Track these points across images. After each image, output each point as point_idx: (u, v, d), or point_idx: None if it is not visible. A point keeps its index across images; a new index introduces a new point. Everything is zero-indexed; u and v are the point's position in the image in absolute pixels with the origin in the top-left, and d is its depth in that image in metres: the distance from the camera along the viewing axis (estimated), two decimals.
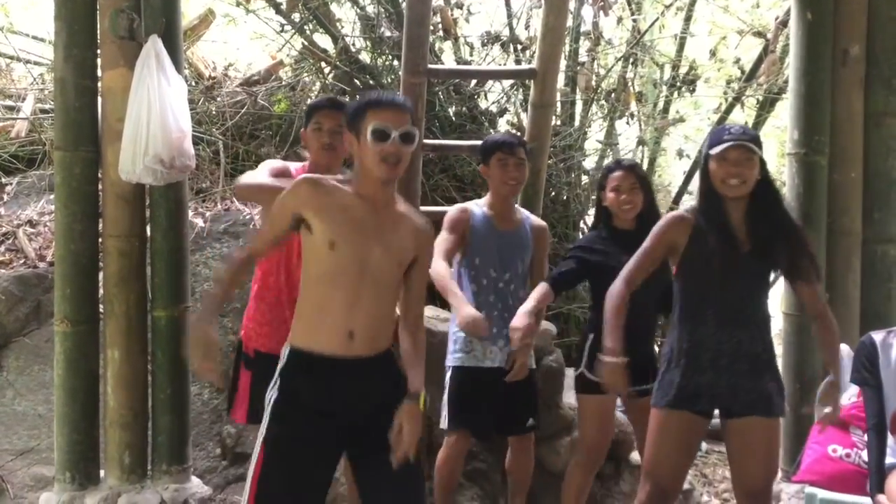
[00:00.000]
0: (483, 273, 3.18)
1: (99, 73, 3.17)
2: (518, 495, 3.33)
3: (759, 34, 5.74)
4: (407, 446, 2.19)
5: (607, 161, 5.76)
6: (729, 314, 2.59)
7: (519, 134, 3.27)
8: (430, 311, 3.75)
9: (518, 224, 3.26)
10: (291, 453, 2.17)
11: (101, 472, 3.20)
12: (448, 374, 3.20)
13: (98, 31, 3.13)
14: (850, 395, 3.13)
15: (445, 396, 3.18)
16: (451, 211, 3.27)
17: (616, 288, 2.65)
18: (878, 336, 2.98)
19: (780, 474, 3.61)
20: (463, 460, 3.29)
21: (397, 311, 2.37)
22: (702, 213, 2.61)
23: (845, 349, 3.30)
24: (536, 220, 3.36)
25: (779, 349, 4.05)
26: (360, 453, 2.25)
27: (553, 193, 5.22)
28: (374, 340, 2.24)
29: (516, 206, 3.35)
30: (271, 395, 2.22)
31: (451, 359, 3.19)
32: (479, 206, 3.25)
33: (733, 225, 2.58)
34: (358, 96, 5.14)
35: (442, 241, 3.13)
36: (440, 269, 3.01)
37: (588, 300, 3.76)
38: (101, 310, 3.22)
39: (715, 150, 2.54)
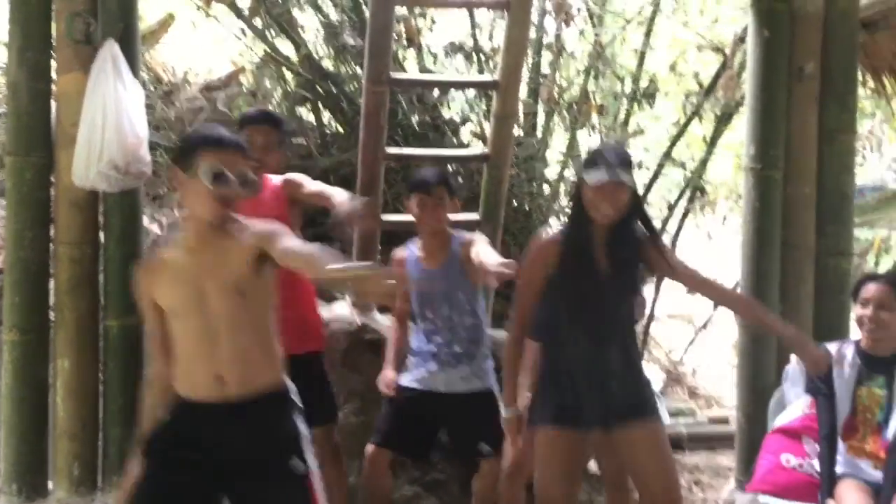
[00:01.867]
0: (420, 314, 3.20)
1: (54, 76, 3.12)
2: None
3: (718, 49, 5.83)
4: None
5: (569, 174, 5.81)
6: (597, 336, 2.61)
7: (442, 172, 3.25)
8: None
9: (447, 256, 3.18)
10: (159, 486, 2.13)
11: (50, 484, 3.13)
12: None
13: (53, 35, 3.07)
14: (803, 405, 3.18)
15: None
16: (393, 257, 3.27)
17: (509, 337, 2.73)
18: (832, 347, 3.04)
19: (733, 484, 3.66)
20: (388, 476, 3.26)
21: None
22: (569, 237, 2.63)
23: (796, 361, 3.36)
24: (465, 239, 3.20)
25: (734, 360, 4.11)
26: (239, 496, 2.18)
27: (515, 204, 5.23)
28: (242, 380, 2.16)
29: (450, 232, 3.22)
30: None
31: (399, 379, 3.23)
32: (413, 247, 3.24)
33: (596, 248, 2.60)
34: (320, 104, 5.15)
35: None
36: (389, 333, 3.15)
37: None
38: (51, 318, 3.15)
39: (591, 181, 2.53)
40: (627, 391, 2.63)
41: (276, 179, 3.08)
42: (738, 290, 2.87)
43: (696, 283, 2.74)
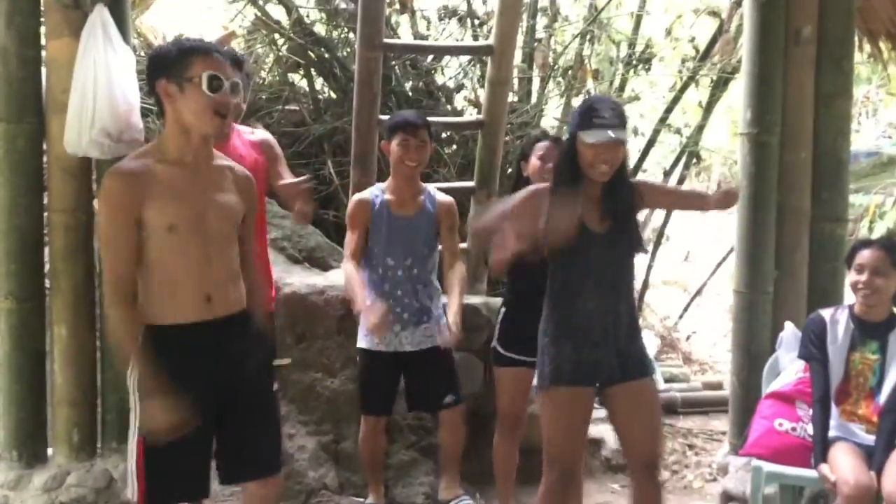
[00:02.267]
0: (380, 261, 3.18)
1: (43, 42, 3.07)
2: (449, 467, 3.37)
3: (714, 13, 5.79)
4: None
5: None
6: (604, 289, 2.62)
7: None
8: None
9: (419, 206, 3.21)
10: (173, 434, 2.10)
11: (49, 451, 3.15)
12: (358, 356, 3.32)
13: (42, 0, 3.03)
14: (797, 370, 3.21)
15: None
16: (350, 205, 3.26)
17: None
18: (826, 313, 3.06)
19: (727, 448, 3.70)
20: (383, 438, 3.37)
21: None
22: (560, 193, 2.59)
23: (790, 326, 3.38)
24: (442, 197, 3.29)
25: (729, 325, 4.14)
26: (230, 411, 2.22)
27: (510, 170, 5.22)
28: (230, 300, 2.22)
29: (422, 185, 3.29)
30: (131, 379, 2.15)
31: (359, 341, 3.28)
32: (379, 192, 3.23)
33: (590, 204, 2.59)
34: (313, 70, 5.09)
35: (347, 241, 3.19)
36: (346, 271, 3.11)
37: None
38: (47, 286, 3.14)
39: (588, 139, 2.51)
40: (632, 347, 2.66)
41: (256, 136, 3.06)
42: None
43: (679, 202, 2.84)
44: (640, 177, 6.16)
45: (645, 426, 2.66)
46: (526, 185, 3.15)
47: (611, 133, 2.48)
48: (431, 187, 3.34)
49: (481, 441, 3.71)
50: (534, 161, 3.16)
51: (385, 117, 3.90)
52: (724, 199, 2.63)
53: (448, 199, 3.33)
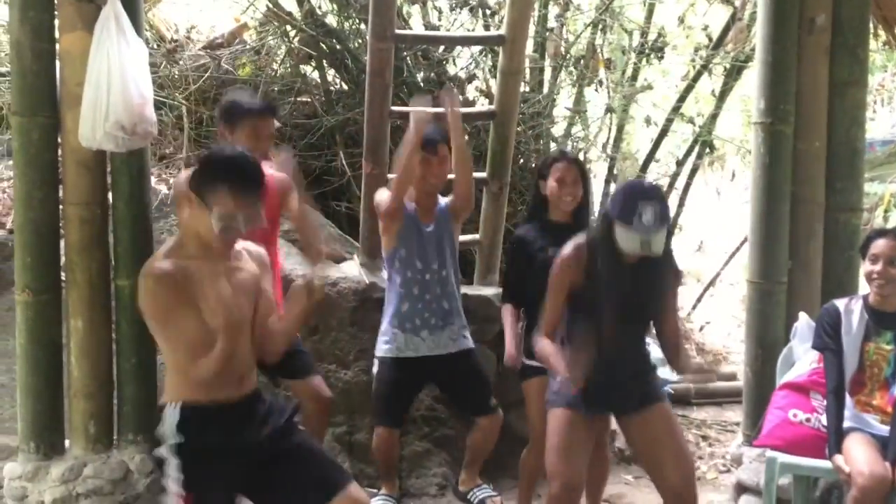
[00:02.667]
0: (409, 265, 3.24)
1: (57, 35, 3.08)
2: (473, 464, 3.41)
3: (728, 2, 5.74)
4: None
5: (576, 131, 5.77)
6: (620, 345, 2.67)
7: (443, 129, 3.25)
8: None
9: (437, 215, 3.30)
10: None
11: (66, 443, 3.17)
12: (374, 366, 3.32)
13: None
14: (811, 360, 3.20)
15: (373, 390, 3.35)
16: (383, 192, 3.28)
17: (536, 345, 2.78)
18: (840, 303, 3.05)
19: (741, 439, 3.69)
20: (397, 448, 3.42)
21: None
22: (602, 273, 2.62)
23: (805, 317, 3.37)
24: (448, 200, 3.37)
25: (742, 315, 4.12)
26: (276, 469, 2.35)
27: (521, 161, 5.20)
28: (253, 377, 2.40)
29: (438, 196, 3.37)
30: (174, 461, 2.25)
31: (378, 349, 3.31)
32: (408, 200, 3.26)
33: (623, 275, 2.61)
34: (325, 62, 5.09)
35: (382, 195, 3.26)
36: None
37: None
38: (63, 279, 3.16)
39: (622, 241, 2.53)
40: (641, 380, 2.72)
41: (277, 177, 3.03)
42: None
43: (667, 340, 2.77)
44: (653, 167, 6.15)
45: (671, 453, 2.67)
46: (544, 205, 3.17)
47: (643, 244, 2.49)
48: (441, 198, 3.39)
49: None
50: (552, 183, 3.15)
51: (397, 109, 3.90)
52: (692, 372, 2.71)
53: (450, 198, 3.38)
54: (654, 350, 4.41)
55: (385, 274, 3.46)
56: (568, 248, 2.72)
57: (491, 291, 3.95)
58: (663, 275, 2.67)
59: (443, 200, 3.38)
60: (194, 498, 2.24)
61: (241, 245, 2.39)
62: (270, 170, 3.06)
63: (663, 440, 2.67)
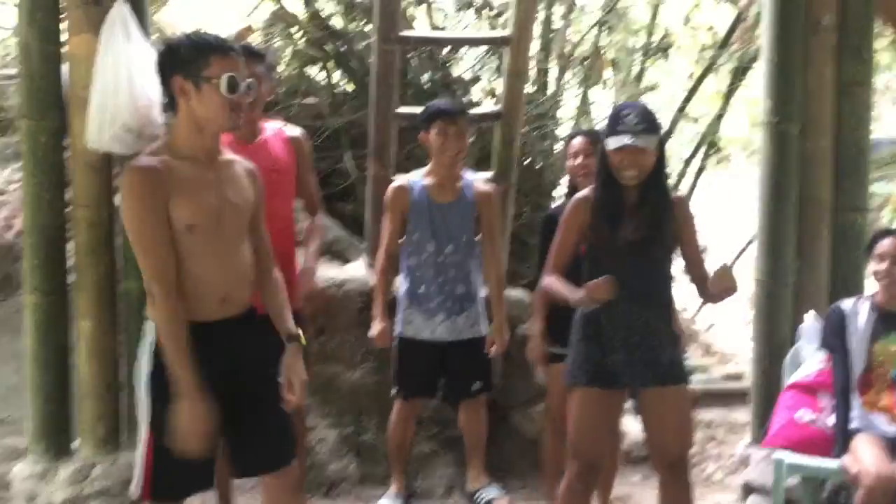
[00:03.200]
0: (421, 248, 3.21)
1: (64, 38, 3.10)
2: (475, 456, 3.38)
3: (733, 1, 5.74)
4: (298, 390, 2.26)
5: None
6: (634, 293, 2.61)
7: (464, 101, 3.25)
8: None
9: (458, 193, 3.23)
10: None
11: (75, 444, 3.19)
12: (394, 342, 3.30)
13: None
14: (819, 361, 3.19)
15: (393, 364, 3.32)
16: (388, 190, 3.26)
17: (542, 282, 2.75)
18: (847, 303, 3.04)
19: (749, 439, 3.69)
20: (412, 425, 3.41)
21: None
22: (599, 199, 2.64)
23: (812, 317, 3.36)
24: (480, 186, 3.31)
25: (749, 316, 4.11)
26: (236, 408, 2.23)
27: (527, 162, 5.21)
28: (242, 298, 2.25)
29: (461, 172, 3.30)
30: (146, 370, 2.16)
31: (396, 326, 3.29)
32: (418, 178, 3.25)
33: (628, 209, 2.61)
34: (330, 63, 5.10)
35: (384, 230, 3.22)
36: (377, 271, 3.22)
37: None
38: (70, 280, 3.17)
39: (611, 144, 2.54)
40: (662, 354, 2.66)
41: (288, 131, 3.03)
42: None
43: (694, 272, 2.74)
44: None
45: (670, 429, 2.66)
46: (573, 185, 3.17)
47: (631, 139, 2.48)
48: (472, 175, 3.34)
49: (502, 433, 3.73)
50: (569, 161, 3.17)
51: (403, 110, 3.91)
52: (720, 288, 2.62)
53: (486, 187, 3.33)
54: None
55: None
56: (582, 192, 2.74)
57: None
58: (669, 212, 2.63)
59: (472, 180, 3.29)
60: (157, 437, 2.13)
61: (231, 156, 2.26)
62: (283, 129, 3.04)
63: (670, 416, 2.65)
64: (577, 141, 3.21)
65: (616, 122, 2.55)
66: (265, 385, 2.29)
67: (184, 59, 2.08)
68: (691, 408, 2.80)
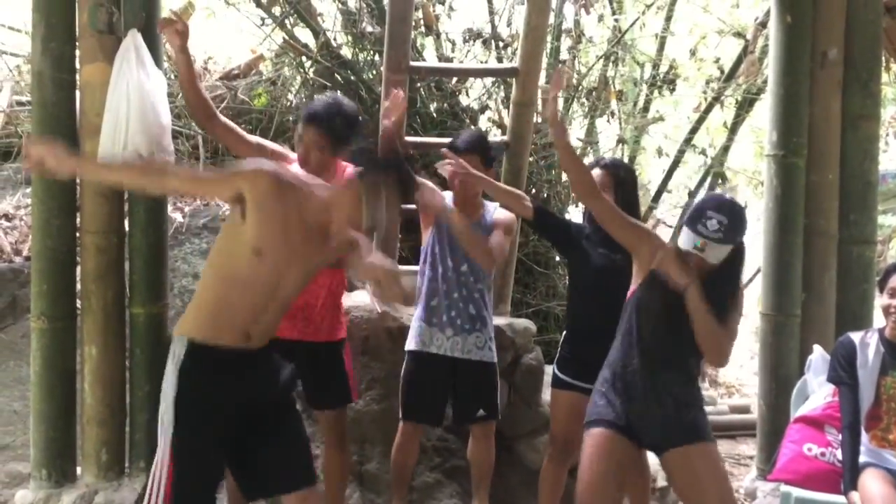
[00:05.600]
0: (440, 261, 3.23)
1: (77, 66, 3.13)
2: (481, 486, 3.35)
3: (739, 35, 5.79)
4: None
5: (588, 160, 5.79)
6: (657, 359, 2.61)
7: (474, 130, 3.26)
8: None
9: (480, 217, 3.27)
10: (202, 450, 2.21)
11: (78, 470, 3.17)
12: (405, 360, 3.30)
13: (77, 25, 3.09)
14: (826, 394, 3.17)
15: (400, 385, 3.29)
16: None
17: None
18: (856, 336, 3.03)
19: (755, 473, 3.66)
20: (417, 447, 3.37)
21: None
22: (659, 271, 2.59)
23: (819, 350, 3.35)
24: (501, 214, 3.30)
25: (755, 348, 4.10)
26: (257, 433, 2.29)
27: (533, 191, 5.23)
28: (265, 339, 2.31)
29: (484, 201, 3.34)
30: (171, 392, 2.20)
31: (407, 342, 3.30)
32: (449, 197, 3.28)
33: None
34: (339, 92, 5.15)
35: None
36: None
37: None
38: (78, 306, 3.18)
39: (680, 241, 2.54)
40: (684, 416, 2.61)
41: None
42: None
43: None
44: (665, 197, 6.16)
45: (709, 494, 2.55)
46: (590, 213, 3.18)
47: (698, 247, 2.48)
48: (493, 205, 3.36)
49: (506, 463, 3.71)
50: None
51: (411, 139, 3.94)
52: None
53: (506, 216, 3.32)
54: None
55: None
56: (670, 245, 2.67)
57: (503, 321, 3.94)
58: (719, 290, 2.57)
59: (491, 211, 3.33)
60: (177, 442, 2.17)
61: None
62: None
63: (705, 481, 2.55)
64: (596, 174, 3.20)
65: (697, 218, 2.50)
66: (285, 411, 2.36)
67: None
68: (723, 467, 2.68)
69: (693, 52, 6.03)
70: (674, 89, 5.82)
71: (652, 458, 3.67)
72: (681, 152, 5.88)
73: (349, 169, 3.12)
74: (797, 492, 3.01)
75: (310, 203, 2.23)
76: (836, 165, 3.67)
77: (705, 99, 5.86)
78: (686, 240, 2.51)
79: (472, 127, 5.24)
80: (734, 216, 2.52)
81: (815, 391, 3.24)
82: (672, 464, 2.62)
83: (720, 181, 6.12)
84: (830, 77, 3.65)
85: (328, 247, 2.30)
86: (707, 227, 2.48)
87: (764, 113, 4.13)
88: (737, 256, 2.58)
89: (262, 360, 2.31)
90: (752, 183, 6.87)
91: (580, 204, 3.27)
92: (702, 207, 2.54)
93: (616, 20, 5.78)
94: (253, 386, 2.28)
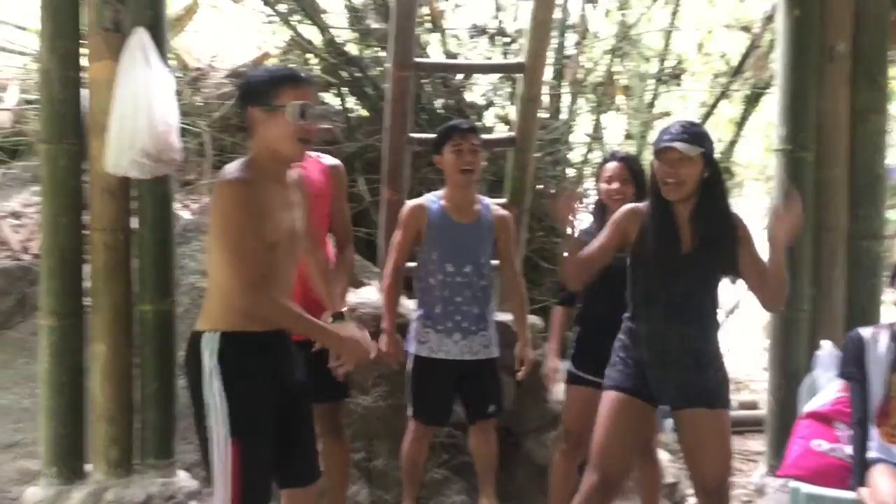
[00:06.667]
0: (439, 268, 3.20)
1: (84, 64, 3.14)
2: (487, 481, 3.35)
3: (746, 29, 5.76)
4: (348, 361, 2.39)
5: (603, 154, 5.78)
6: (674, 311, 2.60)
7: (476, 122, 3.27)
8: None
9: (477, 215, 3.24)
10: (264, 433, 2.23)
11: (88, 467, 3.19)
12: (409, 361, 3.28)
13: (83, 23, 3.10)
14: (835, 389, 3.16)
15: (408, 384, 3.29)
16: (405, 208, 3.28)
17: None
18: (866, 332, 3.02)
19: (764, 468, 3.65)
20: (426, 445, 3.37)
21: None
22: (650, 211, 2.64)
23: (828, 345, 3.34)
24: (497, 210, 3.32)
25: (764, 343, 4.09)
26: (293, 421, 2.35)
27: (539, 186, 5.22)
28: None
29: (477, 195, 3.32)
30: (216, 387, 2.18)
31: (411, 346, 3.27)
32: (436, 199, 3.25)
33: (679, 224, 2.60)
34: (344, 88, 5.15)
35: (393, 247, 3.22)
36: (385, 288, 3.23)
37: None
38: (86, 303, 3.19)
39: (654, 150, 2.56)
40: (699, 375, 2.62)
41: (326, 160, 3.07)
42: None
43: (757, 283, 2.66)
44: None
45: (706, 455, 2.62)
46: (602, 207, 3.17)
47: (672, 143, 2.49)
48: (487, 199, 3.35)
49: (514, 460, 3.71)
50: (602, 184, 3.18)
51: (416, 135, 3.93)
52: (782, 227, 2.57)
53: (504, 212, 3.34)
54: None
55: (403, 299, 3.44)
56: (640, 204, 2.72)
57: (510, 318, 3.94)
58: (724, 231, 2.58)
59: (489, 204, 3.31)
60: (243, 444, 2.17)
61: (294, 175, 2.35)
62: (321, 158, 3.10)
63: (707, 447, 2.61)
64: (612, 166, 3.19)
65: (662, 133, 2.57)
66: (306, 401, 2.42)
67: (259, 91, 2.19)
68: (728, 434, 2.71)
69: (700, 47, 6.02)
70: (680, 84, 5.81)
71: (663, 455, 3.69)
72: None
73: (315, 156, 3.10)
74: (806, 488, 3.00)
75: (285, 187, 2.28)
76: (845, 160, 3.65)
77: (712, 94, 5.84)
78: (657, 148, 2.53)
79: (479, 124, 5.25)
80: (692, 123, 2.61)
81: (824, 387, 3.23)
82: (683, 422, 2.65)
83: (727, 176, 6.09)
84: (839, 71, 3.63)
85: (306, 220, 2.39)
86: (671, 131, 2.53)
87: (772, 107, 4.12)
88: (713, 171, 2.58)
89: (289, 345, 2.35)
90: (759, 178, 6.85)
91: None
92: (662, 129, 2.61)
93: (622, 15, 5.76)
94: (289, 369, 2.33)
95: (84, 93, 3.14)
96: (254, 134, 2.22)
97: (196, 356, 2.21)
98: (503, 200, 4.09)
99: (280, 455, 2.29)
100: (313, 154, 3.09)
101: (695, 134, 2.54)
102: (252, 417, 2.19)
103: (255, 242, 2.13)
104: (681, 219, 2.59)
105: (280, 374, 2.29)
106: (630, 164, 3.21)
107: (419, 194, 4.04)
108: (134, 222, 3.20)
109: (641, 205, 2.70)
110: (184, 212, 4.19)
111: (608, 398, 2.65)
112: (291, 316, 2.20)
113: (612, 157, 3.28)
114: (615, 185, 3.16)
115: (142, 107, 2.91)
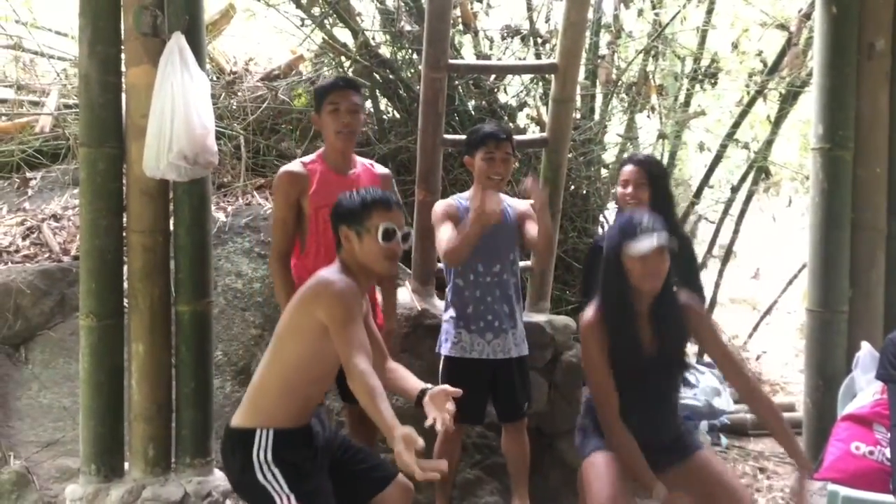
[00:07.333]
0: (469, 268, 3.21)
1: (123, 69, 3.19)
2: (520, 482, 3.34)
3: (782, 27, 5.68)
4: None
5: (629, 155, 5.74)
6: (648, 409, 2.66)
7: (510, 126, 3.24)
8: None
9: (504, 216, 3.22)
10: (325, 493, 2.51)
11: (126, 465, 3.24)
12: (441, 363, 3.30)
13: (122, 28, 3.15)
14: (874, 391, 3.11)
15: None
16: (440, 206, 3.28)
17: (608, 426, 2.67)
18: None
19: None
20: (459, 446, 3.39)
21: None
22: (612, 312, 2.62)
23: (867, 346, 3.29)
24: (520, 206, 3.31)
25: (801, 344, 4.03)
26: (342, 465, 2.65)
27: (573, 188, 5.20)
28: None
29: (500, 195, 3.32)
30: (271, 476, 2.44)
31: (443, 348, 3.29)
32: (463, 201, 3.26)
33: (640, 322, 2.62)
34: (377, 91, 5.18)
35: (443, 232, 3.14)
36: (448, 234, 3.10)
37: None
38: (125, 304, 3.24)
39: (634, 252, 2.52)
40: (675, 437, 2.73)
41: (378, 169, 3.24)
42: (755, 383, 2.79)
43: (729, 368, 2.71)
44: (707, 193, 6.08)
45: (727, 490, 2.61)
46: (622, 212, 3.16)
47: (657, 240, 2.49)
48: (505, 197, 3.35)
49: (547, 462, 3.70)
50: (619, 188, 3.17)
51: (450, 136, 3.94)
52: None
53: (524, 203, 3.33)
54: (708, 378, 4.34)
55: (435, 300, 3.46)
56: (586, 313, 2.69)
57: (542, 318, 3.94)
58: (683, 311, 2.64)
59: (511, 204, 3.31)
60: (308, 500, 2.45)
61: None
62: (371, 167, 3.26)
63: (712, 481, 2.63)
64: (628, 169, 3.18)
65: (634, 227, 2.54)
66: (341, 440, 2.73)
67: (351, 212, 2.47)
68: (726, 468, 2.78)
69: (735, 45, 5.94)
70: (715, 83, 5.74)
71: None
72: (723, 147, 5.79)
73: (368, 164, 3.25)
74: (845, 491, 2.96)
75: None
76: (885, 159, 3.59)
77: (748, 92, 5.76)
78: (639, 246, 2.50)
79: (511, 125, 5.24)
80: (653, 216, 2.59)
81: (863, 388, 3.18)
82: (678, 481, 2.65)
83: (763, 176, 6.02)
84: (878, 69, 3.58)
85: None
86: (644, 226, 2.52)
87: (809, 106, 4.06)
88: (683, 246, 2.69)
89: (316, 418, 2.64)
90: (797, 178, 6.75)
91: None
92: (625, 222, 2.60)
93: (656, 14, 5.71)
94: (318, 437, 2.61)
95: (123, 97, 3.20)
96: (343, 248, 2.50)
97: (245, 451, 2.48)
98: (531, 201, 4.09)
99: (349, 485, 2.60)
100: (366, 162, 3.26)
101: (662, 224, 2.58)
102: (311, 487, 2.48)
103: (363, 336, 2.37)
104: (641, 314, 2.62)
105: (320, 442, 2.59)
106: (649, 168, 3.18)
107: (451, 195, 4.06)
108: (172, 224, 3.25)
109: (591, 318, 2.65)
110: (219, 213, 4.24)
111: (598, 456, 2.66)
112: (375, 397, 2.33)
113: (630, 159, 3.26)
114: (629, 189, 3.14)
115: (179, 111, 2.94)
